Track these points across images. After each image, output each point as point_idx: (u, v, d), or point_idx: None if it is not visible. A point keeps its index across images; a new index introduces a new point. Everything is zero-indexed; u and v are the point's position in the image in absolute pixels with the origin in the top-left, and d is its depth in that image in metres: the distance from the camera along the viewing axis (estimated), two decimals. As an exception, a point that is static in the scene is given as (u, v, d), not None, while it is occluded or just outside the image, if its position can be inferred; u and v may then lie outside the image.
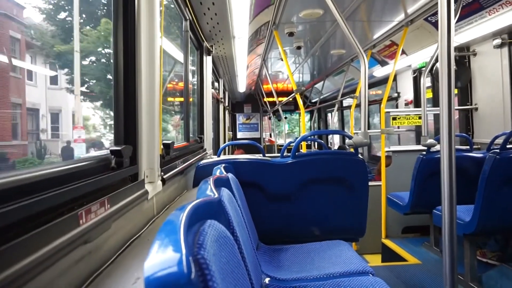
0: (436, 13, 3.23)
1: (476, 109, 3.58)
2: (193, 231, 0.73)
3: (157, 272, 0.53)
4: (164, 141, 1.83)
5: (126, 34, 1.35)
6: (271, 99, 8.01)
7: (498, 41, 3.18)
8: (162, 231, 0.65)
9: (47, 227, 0.75)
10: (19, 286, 0.65)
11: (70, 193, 0.89)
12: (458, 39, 3.39)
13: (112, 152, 1.21)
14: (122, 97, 1.34)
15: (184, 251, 0.57)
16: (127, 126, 1.36)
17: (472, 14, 3.04)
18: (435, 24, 3.47)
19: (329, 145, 8.84)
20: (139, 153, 1.42)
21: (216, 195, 1.15)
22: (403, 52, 4.28)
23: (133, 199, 1.23)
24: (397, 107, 5.15)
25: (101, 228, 0.98)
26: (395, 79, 5.12)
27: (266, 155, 2.75)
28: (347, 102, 7.76)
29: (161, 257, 0.56)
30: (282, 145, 6.45)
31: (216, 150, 4.69)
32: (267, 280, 1.62)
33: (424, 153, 2.97)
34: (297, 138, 2.52)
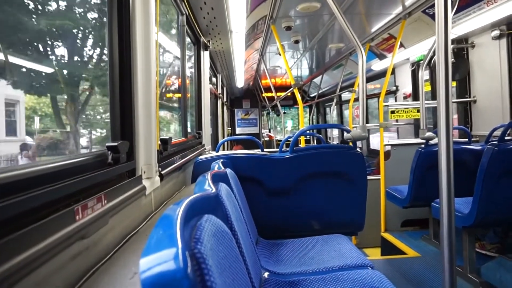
0: (433, 5, 3.21)
1: (475, 101, 3.57)
2: (190, 226, 0.72)
3: (153, 267, 0.52)
4: (162, 137, 1.82)
5: (121, 28, 1.34)
6: (269, 94, 8.00)
7: (496, 32, 3.16)
8: (158, 226, 0.65)
9: (43, 223, 0.74)
10: (16, 281, 0.65)
11: (66, 188, 0.88)
12: (456, 31, 3.37)
13: (108, 147, 1.20)
14: (118, 92, 1.33)
15: (180, 245, 0.56)
16: (123, 122, 1.35)
17: (470, 6, 3.02)
18: (433, 16, 3.45)
19: (328, 140, 8.84)
20: (136, 148, 1.41)
21: (214, 190, 1.15)
22: (401, 45, 4.26)
23: (130, 194, 1.22)
24: (395, 101, 5.14)
25: (98, 224, 0.97)
26: (393, 73, 5.11)
27: (265, 150, 2.75)
28: (346, 96, 7.75)
29: (157, 252, 0.55)
30: (281, 140, 6.46)
31: (215, 146, 4.68)
32: (266, 274, 1.62)
33: (423, 146, 2.97)
34: (295, 133, 2.52)
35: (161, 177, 1.64)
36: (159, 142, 1.72)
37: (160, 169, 1.65)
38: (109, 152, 1.20)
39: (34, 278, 0.71)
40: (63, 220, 0.82)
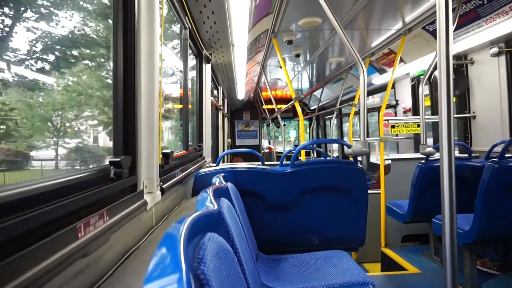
0: (433, 22, 3.26)
1: (474, 117, 3.59)
2: (193, 245, 0.72)
3: None
4: (164, 151, 1.82)
5: (126, 43, 1.35)
6: (270, 107, 8.03)
7: (495, 49, 3.20)
8: (161, 246, 0.64)
9: (45, 241, 0.74)
10: None
11: (69, 205, 0.88)
12: (456, 47, 3.41)
13: (111, 163, 1.21)
14: (122, 107, 1.33)
15: (184, 268, 0.56)
16: (126, 136, 1.35)
17: (470, 23, 3.07)
18: (433, 33, 3.50)
19: (328, 153, 8.83)
20: (138, 163, 1.41)
21: (216, 207, 1.15)
22: (401, 60, 4.30)
23: (132, 210, 1.22)
24: (395, 115, 5.16)
25: (100, 241, 0.97)
26: (393, 87, 5.14)
27: (265, 163, 2.75)
28: (346, 109, 7.78)
29: (160, 274, 0.55)
30: (280, 153, 6.44)
31: (215, 158, 4.67)
32: None
33: (423, 161, 2.97)
34: (296, 145, 2.52)
35: (162, 191, 1.64)
36: (161, 156, 1.72)
37: (161, 183, 1.65)
38: (112, 167, 1.20)
39: None
40: (66, 237, 0.81)
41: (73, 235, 0.84)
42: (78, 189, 0.96)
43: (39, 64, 1.44)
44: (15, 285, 0.63)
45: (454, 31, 3.17)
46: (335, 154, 8.64)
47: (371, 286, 1.61)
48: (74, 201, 0.90)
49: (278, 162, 2.66)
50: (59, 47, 1.56)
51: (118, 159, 1.21)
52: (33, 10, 1.36)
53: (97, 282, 0.96)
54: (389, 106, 5.18)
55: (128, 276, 1.00)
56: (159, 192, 1.59)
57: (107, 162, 1.23)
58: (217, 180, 1.85)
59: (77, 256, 0.84)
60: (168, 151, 1.86)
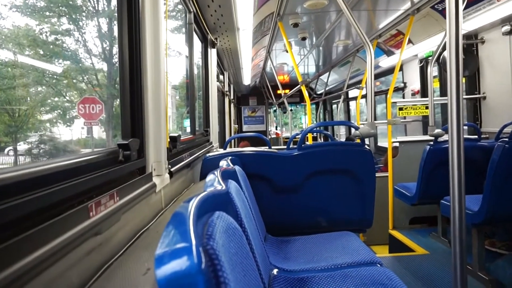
0: (443, 1, 3.18)
1: (484, 98, 3.53)
2: (202, 222, 0.73)
3: (168, 263, 0.53)
4: (171, 134, 1.83)
5: (131, 27, 1.35)
6: (276, 92, 7.99)
7: (507, 28, 3.12)
8: (171, 222, 0.65)
9: (58, 219, 0.76)
10: (32, 277, 0.66)
11: (80, 185, 0.90)
12: (466, 26, 3.33)
13: (119, 145, 1.22)
14: (128, 90, 1.34)
15: (194, 241, 0.57)
16: (133, 120, 1.37)
17: (480, 1, 2.98)
18: (442, 12, 3.42)
19: (335, 137, 8.80)
20: (146, 146, 1.43)
21: (224, 187, 1.16)
22: (410, 42, 4.22)
23: (141, 192, 1.24)
24: (403, 97, 5.10)
25: (111, 220, 0.99)
26: (401, 69, 5.07)
27: (272, 147, 2.75)
28: (353, 93, 7.70)
29: (171, 248, 0.56)
30: (287, 138, 6.44)
31: (222, 143, 4.69)
32: (275, 271, 1.63)
33: (432, 143, 2.95)
34: (303, 130, 2.52)
35: (171, 174, 1.66)
36: (169, 140, 1.74)
37: (169, 166, 1.67)
38: (120, 149, 1.22)
39: (50, 274, 0.73)
40: (78, 216, 0.83)
41: (85, 214, 0.86)
42: (88, 170, 0.98)
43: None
44: (31, 259, 0.65)
45: (464, 9, 3.09)
46: (343, 139, 8.61)
47: (379, 265, 1.62)
48: (84, 181, 0.92)
49: (285, 146, 2.66)
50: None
51: (126, 142, 1.22)
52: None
53: (109, 259, 0.98)
54: (397, 89, 5.12)
55: (140, 254, 1.02)
56: (167, 175, 1.61)
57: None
58: (225, 163, 1.86)
59: (90, 234, 0.87)
60: (176, 134, 1.88)
